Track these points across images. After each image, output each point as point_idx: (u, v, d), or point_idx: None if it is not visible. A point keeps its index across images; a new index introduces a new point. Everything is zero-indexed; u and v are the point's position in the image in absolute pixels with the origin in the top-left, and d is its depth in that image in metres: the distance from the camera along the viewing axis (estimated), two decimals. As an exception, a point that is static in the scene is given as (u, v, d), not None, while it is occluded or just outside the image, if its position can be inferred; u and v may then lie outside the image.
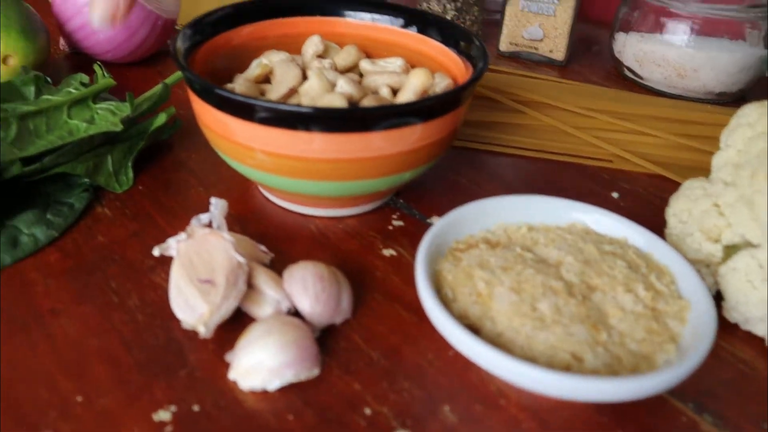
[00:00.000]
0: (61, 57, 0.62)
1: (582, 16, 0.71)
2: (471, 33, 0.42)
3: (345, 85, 0.40)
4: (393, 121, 0.36)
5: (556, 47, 0.63)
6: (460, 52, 0.43)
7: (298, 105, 0.36)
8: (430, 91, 0.41)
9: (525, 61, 0.64)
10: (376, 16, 0.46)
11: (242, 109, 0.37)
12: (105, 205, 0.43)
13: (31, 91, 0.47)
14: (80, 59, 0.61)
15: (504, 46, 0.64)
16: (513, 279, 0.33)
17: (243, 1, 0.46)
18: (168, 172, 0.46)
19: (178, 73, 0.50)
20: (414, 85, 0.39)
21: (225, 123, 0.38)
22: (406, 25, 0.46)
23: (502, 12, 0.63)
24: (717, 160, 0.39)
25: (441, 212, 0.44)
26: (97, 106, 0.47)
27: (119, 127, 0.44)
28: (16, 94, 0.46)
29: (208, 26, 0.44)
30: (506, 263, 0.34)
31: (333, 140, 0.36)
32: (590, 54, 0.67)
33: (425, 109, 0.37)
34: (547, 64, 0.64)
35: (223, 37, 0.45)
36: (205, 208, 0.43)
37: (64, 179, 0.44)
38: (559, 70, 0.63)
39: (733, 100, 0.59)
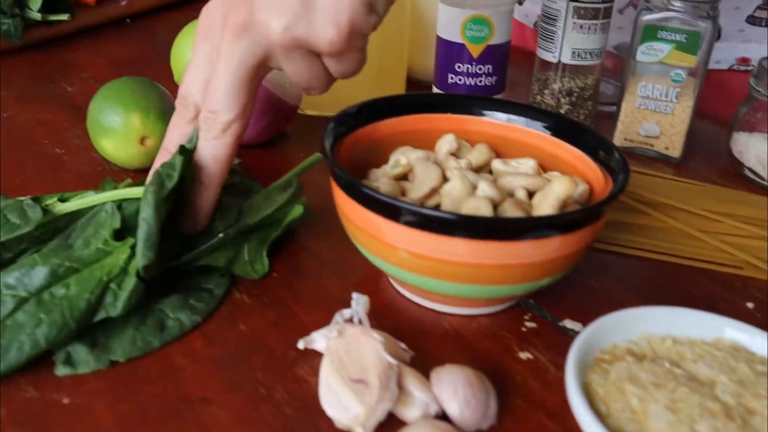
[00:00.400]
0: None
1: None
2: (611, 143, 0.43)
3: (487, 189, 0.41)
4: (535, 233, 0.37)
5: (673, 144, 0.63)
6: (598, 160, 0.44)
7: (446, 212, 0.37)
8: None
9: (639, 156, 0.64)
10: (512, 116, 0.48)
11: (389, 210, 0.38)
12: (243, 292, 0.44)
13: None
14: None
15: (618, 141, 0.64)
16: (667, 397, 0.33)
17: (379, 98, 0.48)
18: (298, 260, 0.48)
19: (306, 162, 0.52)
20: (557, 192, 0.39)
21: (370, 220, 0.39)
22: (542, 127, 0.47)
23: (617, 107, 0.64)
24: None
25: (571, 315, 0.43)
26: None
27: (248, 224, 0.46)
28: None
29: (349, 120, 0.46)
30: (657, 379, 0.34)
31: (476, 246, 0.37)
32: (706, 151, 0.66)
33: (567, 222, 0.37)
34: (662, 160, 0.64)
35: (362, 131, 0.47)
36: (340, 299, 0.44)
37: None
38: (674, 168, 0.63)
39: None
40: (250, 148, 0.62)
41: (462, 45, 0.63)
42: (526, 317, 0.43)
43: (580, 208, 0.38)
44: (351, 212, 0.40)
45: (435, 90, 0.68)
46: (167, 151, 0.44)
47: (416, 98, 0.50)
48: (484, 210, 0.39)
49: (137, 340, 0.39)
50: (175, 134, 0.44)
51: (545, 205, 0.40)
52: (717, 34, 0.78)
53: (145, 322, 0.41)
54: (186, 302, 0.42)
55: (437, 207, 0.41)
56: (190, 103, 0.43)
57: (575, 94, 0.65)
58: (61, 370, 0.38)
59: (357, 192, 0.39)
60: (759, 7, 0.76)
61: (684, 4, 0.58)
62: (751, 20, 0.77)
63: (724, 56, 0.80)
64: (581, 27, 0.62)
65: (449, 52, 0.64)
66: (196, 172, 0.43)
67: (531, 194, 0.43)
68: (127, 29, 0.96)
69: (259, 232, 0.48)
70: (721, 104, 0.77)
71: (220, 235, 0.44)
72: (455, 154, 0.47)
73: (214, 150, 0.42)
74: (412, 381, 0.34)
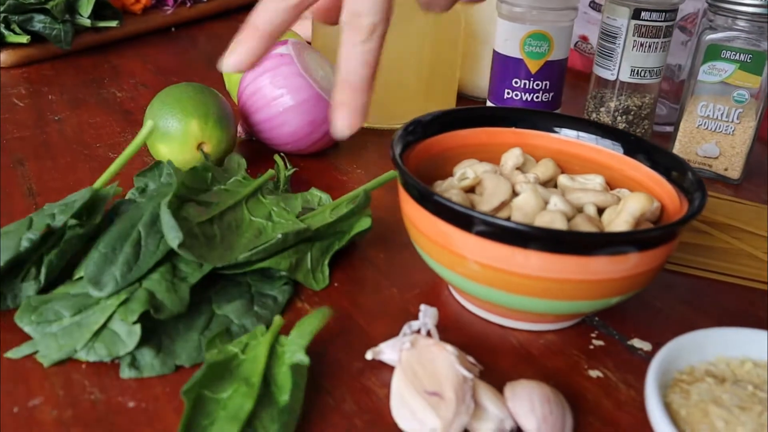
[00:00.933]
0: (237, 144, 0.65)
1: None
2: (685, 162, 0.42)
3: (559, 203, 0.40)
4: (613, 248, 0.36)
5: (732, 166, 0.62)
6: (671, 180, 0.43)
7: (522, 223, 0.36)
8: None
9: (696, 177, 0.63)
10: (582, 133, 0.47)
11: (462, 220, 0.37)
12: (304, 300, 0.44)
13: (209, 177, 0.49)
14: (255, 145, 0.64)
15: (675, 161, 0.63)
16: (755, 420, 0.32)
17: (448, 110, 0.48)
18: (358, 270, 0.47)
19: (376, 181, 0.51)
20: (633, 209, 0.39)
21: (441, 230, 0.38)
22: (611, 146, 0.46)
23: (675, 126, 0.63)
24: None
25: (638, 333, 0.43)
26: (266, 200, 0.49)
27: (309, 228, 0.45)
28: (200, 180, 0.49)
29: (419, 129, 0.46)
30: (742, 402, 0.33)
31: (550, 260, 0.36)
32: (763, 173, 0.65)
33: (646, 239, 0.37)
34: (720, 181, 0.63)
35: (428, 142, 0.46)
36: (402, 311, 0.43)
37: (262, 270, 0.45)
38: (733, 189, 0.62)
39: None
40: (303, 158, 0.62)
41: (520, 60, 0.62)
42: (593, 335, 0.42)
43: (659, 226, 0.37)
44: (420, 221, 0.40)
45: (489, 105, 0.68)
46: (255, 28, 0.40)
47: (480, 111, 0.49)
48: (559, 223, 0.38)
49: (202, 345, 0.39)
50: (268, 13, 0.41)
51: (619, 221, 0.39)
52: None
53: (209, 327, 0.40)
54: (250, 308, 0.42)
55: (508, 219, 0.41)
56: None
57: (632, 113, 0.65)
58: (127, 373, 0.37)
59: (429, 201, 0.39)
60: None
61: (749, 24, 0.57)
62: None
63: None
64: (641, 45, 0.62)
65: (506, 67, 0.64)
66: (347, 77, 0.40)
67: (600, 211, 0.43)
68: (172, 38, 0.97)
69: (323, 241, 0.47)
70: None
71: (278, 235, 0.44)
72: (521, 169, 0.46)
73: (362, 56, 0.39)
74: (487, 395, 0.34)
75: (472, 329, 0.42)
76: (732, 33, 0.58)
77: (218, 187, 0.50)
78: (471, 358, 0.38)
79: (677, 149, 0.63)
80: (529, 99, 0.64)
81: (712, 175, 0.63)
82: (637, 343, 0.42)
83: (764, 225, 0.54)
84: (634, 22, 0.61)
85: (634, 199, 0.39)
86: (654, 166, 0.44)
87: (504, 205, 0.41)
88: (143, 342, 0.38)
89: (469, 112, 0.48)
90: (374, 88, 0.41)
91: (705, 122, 0.61)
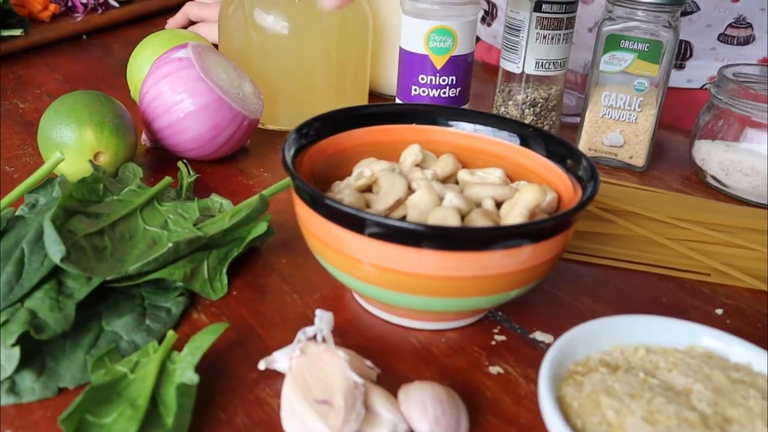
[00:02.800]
0: (141, 152, 0.63)
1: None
2: (579, 151, 0.42)
3: (454, 199, 0.39)
4: (505, 242, 0.36)
5: (637, 154, 0.63)
6: (566, 169, 0.43)
7: (412, 222, 0.35)
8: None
9: (604, 166, 0.64)
10: (479, 126, 0.47)
11: (353, 222, 0.36)
12: (201, 311, 0.42)
13: (100, 188, 0.47)
14: (160, 153, 0.62)
15: (582, 150, 0.64)
16: (644, 408, 0.32)
17: (343, 108, 0.47)
18: (259, 277, 0.46)
19: (276, 186, 0.50)
20: (526, 201, 0.38)
21: (334, 233, 0.37)
22: (508, 137, 0.46)
23: (581, 117, 0.64)
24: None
25: (541, 326, 0.42)
26: (162, 207, 0.48)
27: (203, 236, 0.44)
28: (90, 192, 0.47)
29: (311, 131, 0.45)
30: (633, 390, 0.33)
31: (444, 258, 0.36)
32: (669, 160, 0.67)
33: (538, 230, 0.36)
34: (626, 169, 0.64)
35: (324, 143, 0.45)
36: (302, 317, 0.42)
37: (156, 282, 0.43)
38: (639, 177, 0.63)
39: (822, 210, 0.58)
40: (209, 164, 0.61)
41: (425, 56, 0.62)
42: (496, 330, 0.42)
43: (549, 216, 0.37)
44: (314, 226, 0.39)
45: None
46: None
47: (379, 109, 0.48)
48: (452, 220, 0.37)
49: (88, 364, 0.37)
50: None
51: (514, 214, 0.39)
52: (690, 52, 0.79)
53: (97, 344, 0.39)
54: (142, 323, 0.40)
55: (403, 218, 0.40)
56: None
57: (539, 105, 0.65)
58: (4, 399, 0.35)
59: (319, 204, 0.38)
60: (731, 25, 0.76)
61: (646, 14, 0.58)
62: (723, 38, 0.77)
63: (696, 75, 0.80)
64: (544, 37, 0.62)
65: (412, 64, 0.63)
66: None
67: (499, 204, 0.42)
68: (83, 46, 0.94)
69: (221, 248, 0.46)
70: (690, 121, 0.77)
71: (170, 244, 0.42)
72: (421, 165, 0.46)
73: None
74: (380, 400, 0.33)
75: (373, 332, 0.41)
76: (630, 23, 0.59)
77: (111, 198, 0.48)
78: (368, 362, 0.37)
79: (584, 139, 0.64)
80: (436, 95, 0.63)
81: (618, 164, 0.64)
82: (539, 336, 0.42)
83: (667, 211, 0.54)
84: (536, 14, 0.61)
85: (528, 191, 0.39)
86: (550, 155, 0.44)
87: (399, 203, 0.40)
88: (24, 365, 0.36)
89: (364, 110, 0.48)
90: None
91: (609, 112, 0.62)
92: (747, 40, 0.76)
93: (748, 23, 0.75)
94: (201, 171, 0.59)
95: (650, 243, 0.51)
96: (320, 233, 0.39)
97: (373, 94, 0.78)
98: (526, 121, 0.65)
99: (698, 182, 0.63)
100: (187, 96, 0.57)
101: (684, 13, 0.75)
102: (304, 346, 0.35)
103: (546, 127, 0.66)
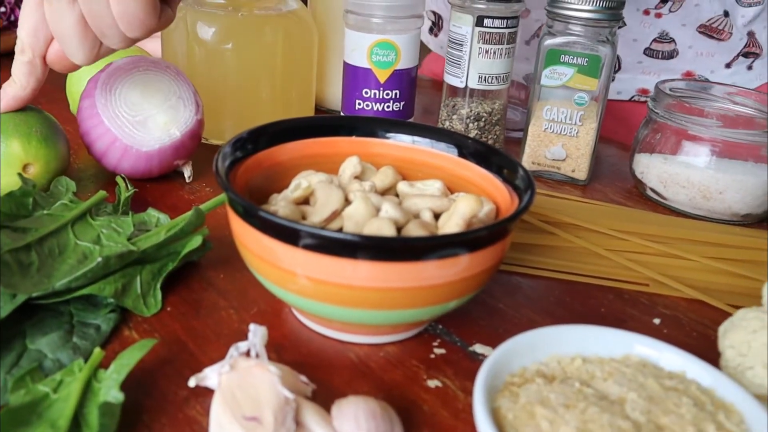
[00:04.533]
0: (81, 164, 0.62)
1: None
2: (516, 161, 0.42)
3: (390, 210, 0.39)
4: (440, 252, 0.35)
5: (579, 167, 0.63)
6: (504, 179, 0.43)
7: (346, 233, 0.35)
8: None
9: (547, 180, 0.65)
10: (417, 138, 0.46)
11: (287, 234, 0.36)
12: (132, 328, 0.41)
13: (29, 201, 0.46)
14: (100, 167, 0.61)
15: (526, 165, 0.64)
16: (578, 418, 0.31)
17: (280, 120, 0.46)
18: (195, 292, 0.45)
19: (214, 201, 0.49)
20: (462, 211, 0.38)
21: (267, 246, 0.37)
22: (446, 149, 0.46)
23: (524, 131, 0.64)
24: (771, 291, 0.38)
25: (482, 339, 0.42)
26: (96, 222, 0.46)
27: (135, 250, 0.43)
28: (18, 206, 0.45)
29: (247, 145, 0.44)
30: (567, 400, 0.33)
31: (378, 269, 0.35)
32: (611, 174, 0.67)
33: (473, 240, 0.36)
34: (569, 183, 0.64)
35: (261, 156, 0.45)
36: (237, 332, 0.41)
37: (87, 298, 0.42)
38: (581, 190, 0.63)
39: (758, 221, 0.59)
40: (149, 181, 0.59)
41: (368, 70, 0.62)
42: (435, 343, 0.41)
43: (483, 226, 0.36)
44: (247, 239, 0.38)
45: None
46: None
47: (318, 121, 0.48)
48: (387, 230, 0.37)
49: (8, 384, 0.36)
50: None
51: (450, 225, 0.39)
52: (618, 65, 0.81)
53: (19, 364, 0.37)
54: (69, 340, 0.39)
55: (340, 230, 0.39)
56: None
57: (483, 119, 0.65)
58: None
59: (253, 216, 0.37)
60: (655, 40, 0.79)
61: (584, 29, 0.59)
62: (649, 52, 0.80)
63: (624, 87, 0.82)
64: (486, 52, 0.62)
65: (356, 78, 0.63)
66: None
67: (437, 216, 0.42)
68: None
69: (155, 263, 0.45)
70: (623, 133, 0.79)
71: (99, 259, 0.41)
72: (360, 177, 0.45)
73: None
74: (312, 416, 0.32)
75: (310, 346, 0.40)
76: (569, 38, 0.60)
77: (40, 212, 0.46)
78: (303, 378, 0.36)
79: (527, 153, 0.64)
80: (380, 109, 0.63)
81: (562, 177, 0.64)
82: (479, 348, 0.41)
83: (607, 223, 0.55)
84: (478, 29, 0.62)
85: (464, 201, 0.39)
86: (487, 166, 0.44)
87: (336, 215, 0.40)
88: (-60, 387, 0.35)
89: (302, 122, 0.47)
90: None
91: (551, 126, 0.62)
92: (671, 54, 0.79)
93: (671, 38, 0.78)
94: (141, 186, 0.58)
95: (591, 254, 0.52)
96: (254, 246, 0.38)
97: (320, 109, 0.77)
98: (471, 135, 0.66)
99: (638, 195, 0.64)
100: (92, 127, 0.56)
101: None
102: (235, 362, 0.34)
103: (490, 142, 0.67)
